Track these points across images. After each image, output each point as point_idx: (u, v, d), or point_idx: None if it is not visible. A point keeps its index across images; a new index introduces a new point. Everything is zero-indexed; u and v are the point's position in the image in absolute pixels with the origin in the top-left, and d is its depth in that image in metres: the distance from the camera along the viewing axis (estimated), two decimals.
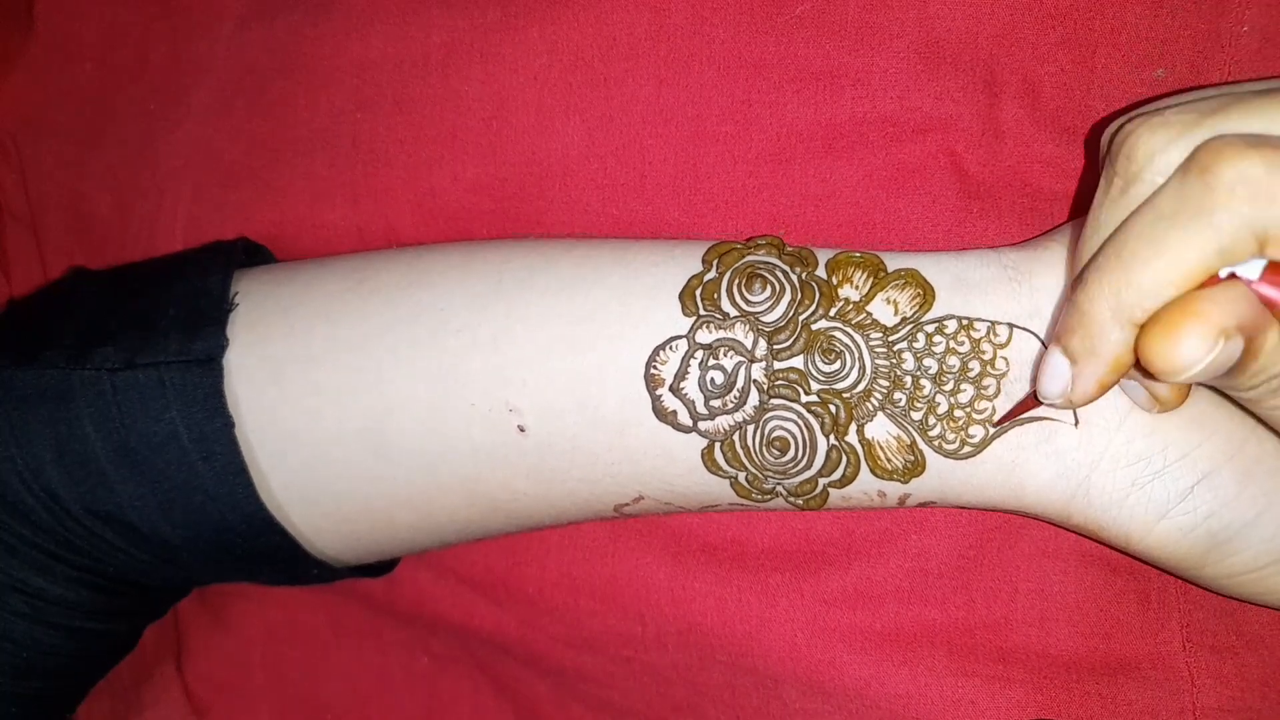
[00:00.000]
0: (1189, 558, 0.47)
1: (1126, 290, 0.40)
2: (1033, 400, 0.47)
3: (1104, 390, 0.43)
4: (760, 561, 0.57)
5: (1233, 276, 0.38)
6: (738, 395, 0.49)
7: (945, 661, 0.54)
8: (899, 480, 0.49)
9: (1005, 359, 0.48)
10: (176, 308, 0.55)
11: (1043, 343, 0.48)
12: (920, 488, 0.50)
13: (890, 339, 0.49)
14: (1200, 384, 0.42)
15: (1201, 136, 0.39)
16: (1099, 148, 0.46)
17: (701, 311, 0.49)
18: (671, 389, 0.49)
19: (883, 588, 0.55)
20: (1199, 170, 0.38)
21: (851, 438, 0.49)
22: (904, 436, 0.49)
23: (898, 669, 0.55)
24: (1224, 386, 0.42)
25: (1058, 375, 0.43)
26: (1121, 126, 0.42)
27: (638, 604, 0.59)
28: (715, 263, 0.50)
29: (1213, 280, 0.39)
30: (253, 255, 0.61)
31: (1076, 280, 0.42)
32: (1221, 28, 0.52)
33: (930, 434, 0.48)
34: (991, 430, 0.48)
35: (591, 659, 0.61)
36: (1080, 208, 0.54)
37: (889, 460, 0.49)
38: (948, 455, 0.49)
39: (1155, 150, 0.40)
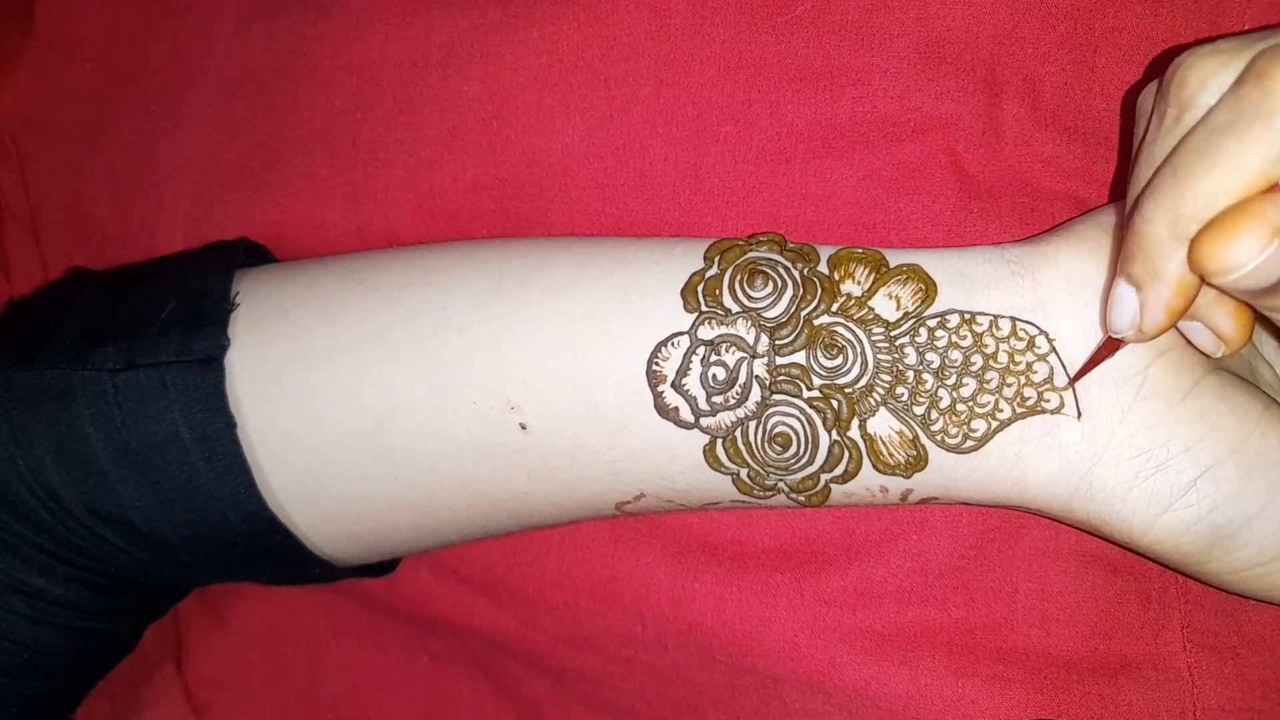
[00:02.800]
0: (1193, 553, 0.47)
1: (1183, 204, 0.39)
2: (1109, 343, 0.46)
3: (1175, 317, 0.42)
4: (760, 561, 0.57)
5: None
6: (740, 391, 0.49)
7: (945, 662, 0.54)
8: (901, 475, 0.49)
9: (1007, 353, 0.48)
10: (177, 308, 0.55)
11: (1045, 335, 0.48)
12: (923, 483, 0.50)
13: (892, 334, 0.49)
14: (1245, 297, 0.41)
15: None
16: (1134, 110, 0.45)
17: (703, 308, 0.49)
18: (673, 385, 0.49)
19: (883, 588, 0.55)
20: (1255, 78, 0.37)
21: (854, 433, 0.49)
22: (906, 431, 0.49)
23: (898, 669, 0.54)
24: (1270, 307, 0.41)
25: (1125, 305, 0.42)
26: (1174, 61, 0.41)
27: (638, 604, 0.59)
28: (717, 259, 0.50)
29: (1273, 190, 0.37)
30: (253, 255, 0.61)
31: (1132, 208, 0.42)
32: (1222, 27, 0.52)
33: (932, 428, 0.48)
34: (1069, 384, 0.48)
35: (591, 659, 0.61)
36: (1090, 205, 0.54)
37: (891, 455, 0.49)
38: (950, 450, 0.49)
39: (1208, 75, 0.40)
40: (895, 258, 0.50)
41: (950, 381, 0.48)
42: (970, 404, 0.48)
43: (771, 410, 0.49)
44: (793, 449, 0.49)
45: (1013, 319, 0.48)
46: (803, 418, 0.49)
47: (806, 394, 0.48)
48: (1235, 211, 0.37)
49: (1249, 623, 0.53)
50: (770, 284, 0.49)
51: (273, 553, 0.57)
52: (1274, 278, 0.38)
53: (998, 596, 0.54)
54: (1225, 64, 0.39)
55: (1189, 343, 0.47)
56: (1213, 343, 0.45)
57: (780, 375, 0.49)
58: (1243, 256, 0.37)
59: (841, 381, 0.48)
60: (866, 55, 0.55)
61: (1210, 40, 0.41)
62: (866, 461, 0.49)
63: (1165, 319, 0.42)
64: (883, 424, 0.49)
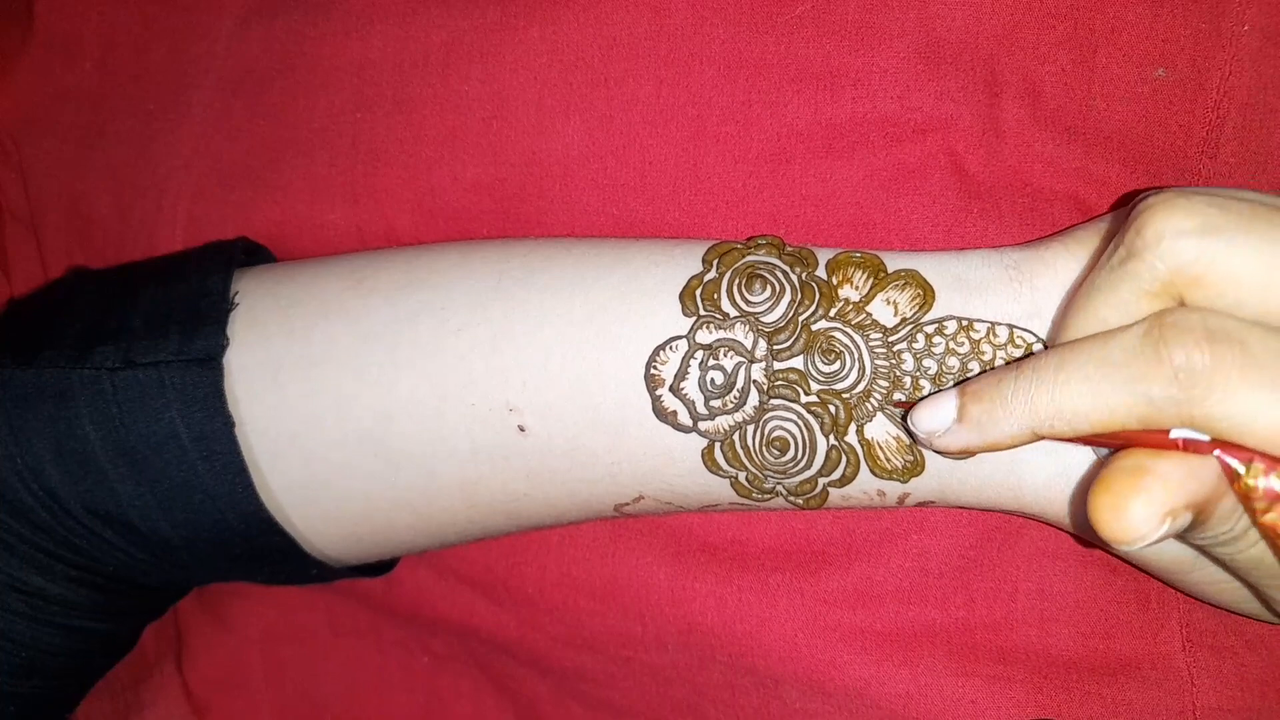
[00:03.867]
0: (1176, 563, 0.47)
1: (1047, 401, 0.42)
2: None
3: (960, 456, 0.46)
4: (760, 561, 0.57)
5: (1187, 442, 0.40)
6: (738, 395, 0.49)
7: (945, 661, 0.54)
8: (898, 480, 0.49)
9: (1005, 360, 0.48)
10: (176, 307, 0.55)
11: (1043, 342, 0.48)
12: (920, 487, 0.50)
13: (890, 339, 0.49)
14: None
15: (1214, 242, 0.40)
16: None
17: (701, 312, 0.49)
18: (671, 389, 0.49)
19: (883, 588, 0.55)
20: (1155, 338, 0.40)
21: (851, 438, 0.49)
22: (903, 437, 0.49)
23: (898, 669, 0.55)
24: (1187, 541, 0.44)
25: (940, 414, 0.45)
26: (1147, 197, 0.42)
27: (638, 604, 0.59)
28: (715, 263, 0.50)
29: (1162, 437, 0.40)
30: (252, 255, 0.61)
31: (1010, 373, 0.44)
32: (1222, 27, 0.52)
33: None
34: (894, 411, 0.49)
35: (591, 659, 0.61)
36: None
37: (888, 460, 0.49)
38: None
39: (1164, 233, 0.40)
40: (893, 262, 0.50)
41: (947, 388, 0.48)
42: None
43: (769, 415, 0.49)
44: (790, 453, 0.49)
45: (1010, 326, 0.48)
46: (800, 422, 0.49)
47: (804, 399, 0.48)
48: (1128, 486, 0.40)
49: (1248, 623, 0.53)
50: (768, 288, 0.49)
51: (271, 552, 0.57)
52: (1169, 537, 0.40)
53: (998, 596, 0.54)
54: (1186, 232, 0.40)
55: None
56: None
57: (778, 380, 0.49)
58: (1140, 532, 0.39)
59: (839, 387, 0.48)
60: (866, 55, 0.55)
61: (1193, 190, 0.42)
62: (864, 466, 0.49)
63: (955, 454, 0.46)
64: (880, 429, 0.49)
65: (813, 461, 0.49)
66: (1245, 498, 0.39)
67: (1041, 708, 0.53)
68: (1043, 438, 0.42)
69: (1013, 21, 0.54)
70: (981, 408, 0.43)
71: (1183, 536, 0.42)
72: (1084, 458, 0.48)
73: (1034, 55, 0.54)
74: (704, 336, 0.49)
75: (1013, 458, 0.48)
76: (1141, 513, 0.39)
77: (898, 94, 0.55)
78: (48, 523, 0.54)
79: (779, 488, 0.50)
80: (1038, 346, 0.48)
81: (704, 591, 0.57)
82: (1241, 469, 0.39)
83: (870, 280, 0.49)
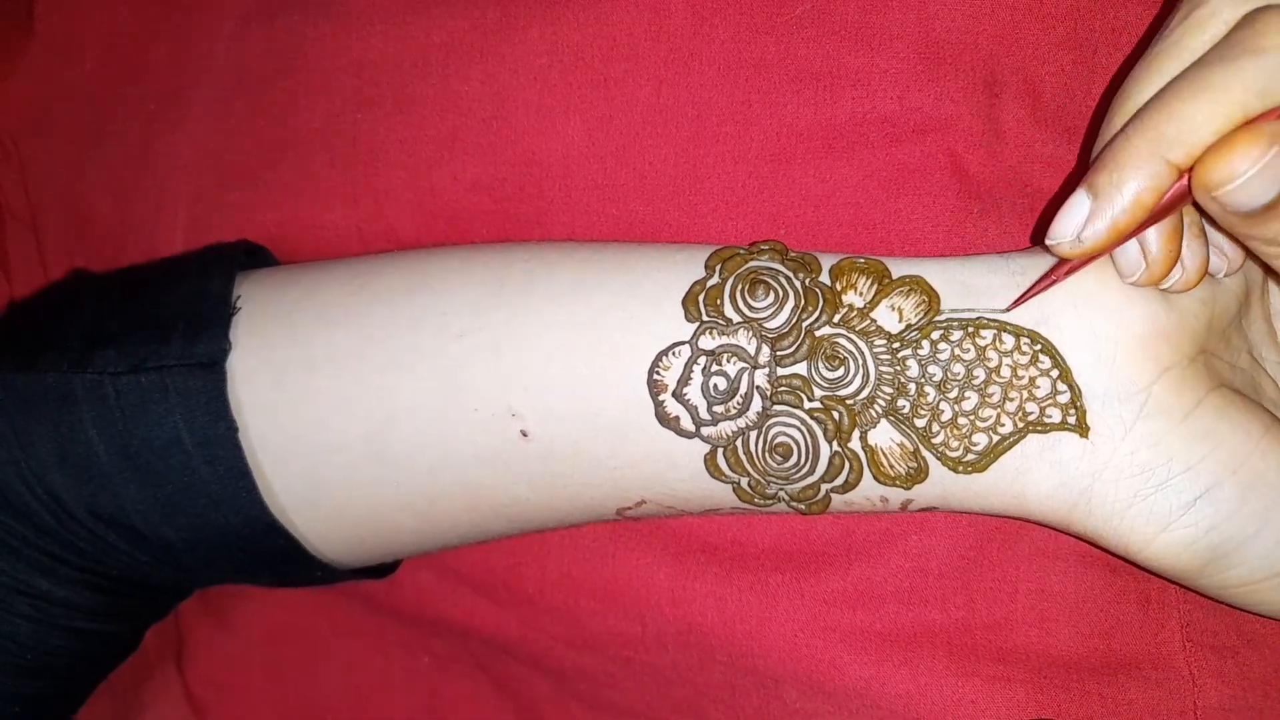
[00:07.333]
0: (1188, 569, 0.47)
1: (1168, 124, 0.41)
2: (1053, 272, 0.47)
3: (1115, 236, 0.43)
4: (760, 561, 0.57)
5: None
6: (741, 401, 0.49)
7: (946, 662, 0.54)
8: (901, 486, 0.49)
9: (1010, 367, 0.48)
10: (179, 311, 0.55)
11: (1049, 350, 0.48)
12: (923, 494, 0.50)
13: (894, 346, 0.48)
14: (1237, 227, 0.42)
15: None
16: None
17: (704, 317, 0.49)
18: (674, 395, 0.49)
19: (883, 588, 0.55)
20: (1248, 20, 0.40)
21: (854, 444, 0.49)
22: (907, 443, 0.49)
23: (898, 669, 0.55)
24: (1259, 236, 0.42)
25: (1075, 212, 0.44)
26: None
27: (638, 604, 0.59)
28: (718, 268, 0.50)
29: (1271, 114, 0.39)
30: (253, 256, 0.61)
31: (1118, 134, 0.43)
32: None
33: (933, 441, 0.48)
34: (1010, 306, 0.48)
35: (592, 659, 0.61)
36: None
37: (892, 467, 0.49)
38: (950, 463, 0.49)
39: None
40: (898, 268, 0.50)
41: (952, 395, 0.48)
42: (972, 417, 0.48)
43: (772, 420, 0.49)
44: (793, 459, 0.49)
45: (1015, 333, 0.48)
46: (803, 428, 0.49)
47: (807, 405, 0.48)
48: (1236, 130, 0.39)
49: (1248, 621, 0.53)
50: (772, 294, 0.49)
51: (274, 555, 0.57)
52: (1268, 196, 0.39)
53: (998, 596, 0.54)
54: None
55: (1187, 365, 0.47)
56: (1135, 263, 0.46)
57: (781, 386, 0.49)
58: (1245, 162, 0.39)
59: (843, 393, 0.48)
60: (866, 55, 0.55)
61: None
62: (867, 473, 0.49)
63: (1107, 233, 0.43)
64: (884, 436, 0.49)
65: (815, 467, 0.49)
66: None
67: (1041, 708, 0.53)
68: (1181, 170, 0.41)
69: (1013, 21, 0.54)
70: (1108, 172, 0.42)
71: (1270, 238, 0.42)
72: (1088, 468, 0.48)
73: (1034, 55, 0.54)
74: (707, 342, 0.49)
75: (1017, 467, 0.48)
76: (1248, 142, 0.39)
77: (898, 94, 0.55)
78: (51, 526, 0.55)
79: (781, 493, 0.50)
80: (1043, 355, 0.48)
81: (704, 592, 0.58)
82: None
83: (874, 286, 0.49)
